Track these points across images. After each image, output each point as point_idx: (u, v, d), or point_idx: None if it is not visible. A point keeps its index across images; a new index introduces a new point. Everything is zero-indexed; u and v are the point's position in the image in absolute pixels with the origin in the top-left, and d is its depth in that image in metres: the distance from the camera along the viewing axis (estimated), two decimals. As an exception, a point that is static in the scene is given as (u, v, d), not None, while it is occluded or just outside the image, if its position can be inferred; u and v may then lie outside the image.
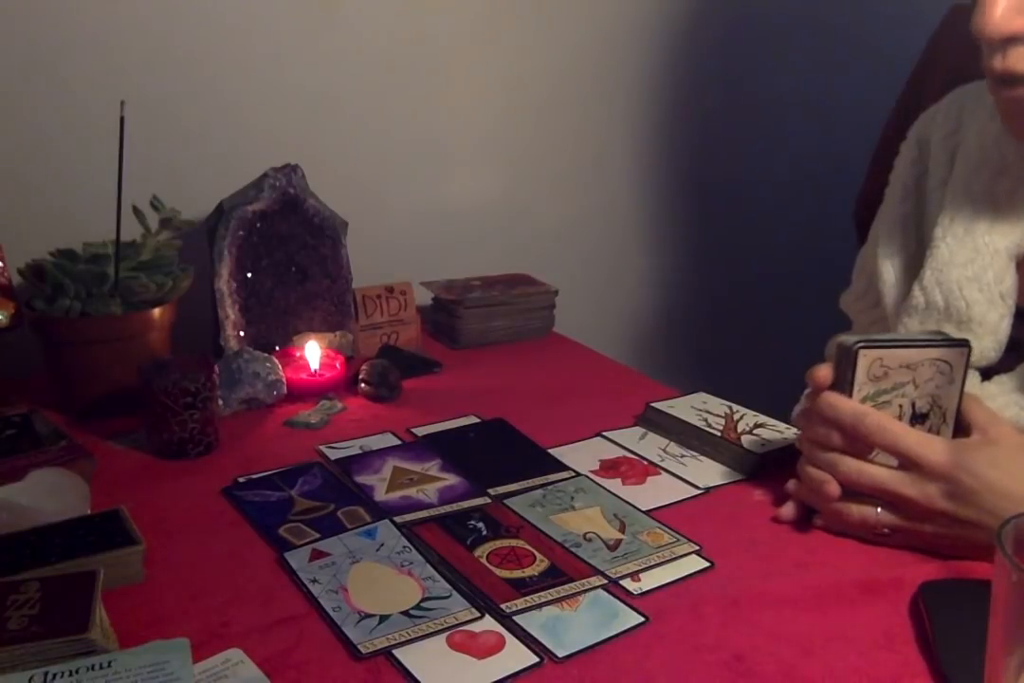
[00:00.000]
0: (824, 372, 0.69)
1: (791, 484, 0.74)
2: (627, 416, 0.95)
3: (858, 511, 0.69)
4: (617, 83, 1.43)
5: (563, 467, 0.84)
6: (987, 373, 0.78)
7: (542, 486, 0.80)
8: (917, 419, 0.69)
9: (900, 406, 0.69)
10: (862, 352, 0.68)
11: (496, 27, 1.30)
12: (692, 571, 0.67)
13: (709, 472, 0.83)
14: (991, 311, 0.77)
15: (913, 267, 0.84)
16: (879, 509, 0.68)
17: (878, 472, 0.67)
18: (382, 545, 0.70)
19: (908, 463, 0.66)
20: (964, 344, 0.68)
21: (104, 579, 0.60)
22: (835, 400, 0.68)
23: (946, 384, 0.69)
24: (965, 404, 0.69)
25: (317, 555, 0.69)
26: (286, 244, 1.08)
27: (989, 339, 0.77)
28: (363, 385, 1.00)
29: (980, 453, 0.65)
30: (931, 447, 0.65)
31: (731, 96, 1.54)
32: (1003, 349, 0.78)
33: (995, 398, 0.75)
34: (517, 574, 0.66)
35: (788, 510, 0.74)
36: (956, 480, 0.64)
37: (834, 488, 0.69)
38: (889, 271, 0.86)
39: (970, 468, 0.64)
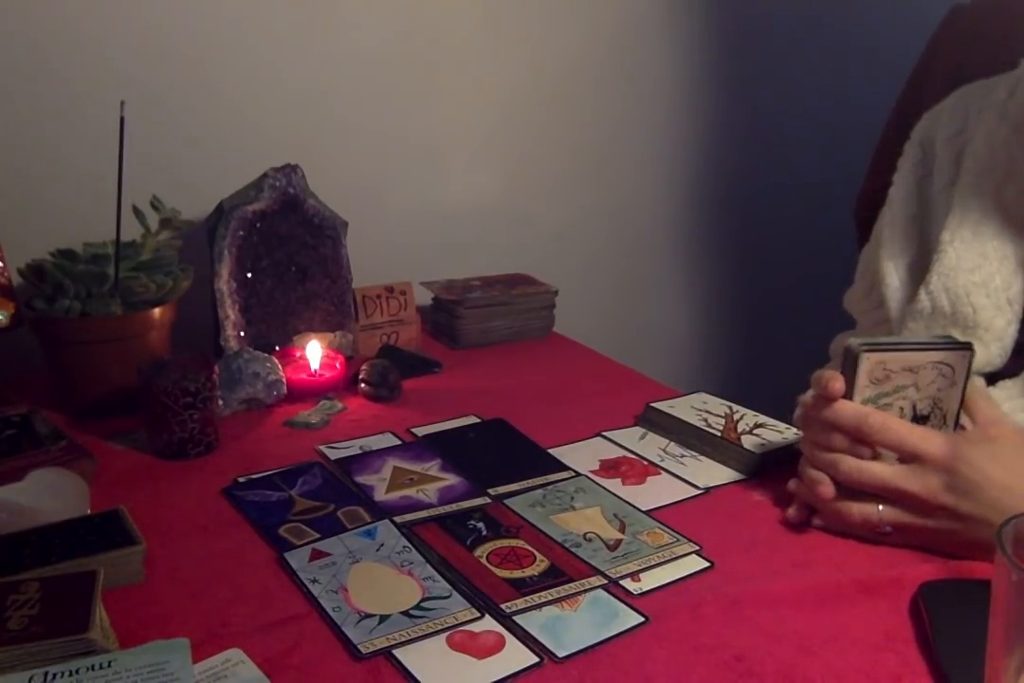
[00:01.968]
0: (838, 384, 0.69)
1: (793, 483, 0.74)
2: (627, 416, 0.95)
3: (859, 510, 0.69)
4: (618, 84, 1.43)
5: (563, 467, 0.84)
6: (992, 378, 0.78)
7: (542, 486, 0.80)
8: (918, 421, 0.69)
9: (901, 408, 0.69)
10: (864, 355, 0.68)
11: (497, 27, 1.30)
12: (692, 571, 0.67)
13: (709, 472, 0.83)
14: (998, 317, 0.76)
15: (917, 270, 0.84)
16: (880, 507, 0.68)
17: (880, 469, 0.67)
18: (382, 545, 0.70)
19: (909, 458, 0.66)
20: (967, 347, 0.68)
21: (104, 579, 0.60)
22: (837, 402, 0.69)
23: (947, 387, 0.69)
24: (970, 398, 0.69)
25: (317, 555, 0.69)
26: (286, 244, 1.08)
27: (995, 345, 0.77)
28: (363, 385, 1.00)
29: (980, 447, 0.65)
30: (931, 441, 0.66)
31: (732, 96, 1.54)
32: (1009, 354, 0.77)
33: (1000, 403, 0.74)
34: (517, 574, 0.66)
35: (794, 512, 0.74)
36: (956, 472, 0.64)
37: (827, 490, 0.69)
38: (892, 274, 0.86)
39: (970, 460, 0.64)
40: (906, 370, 0.69)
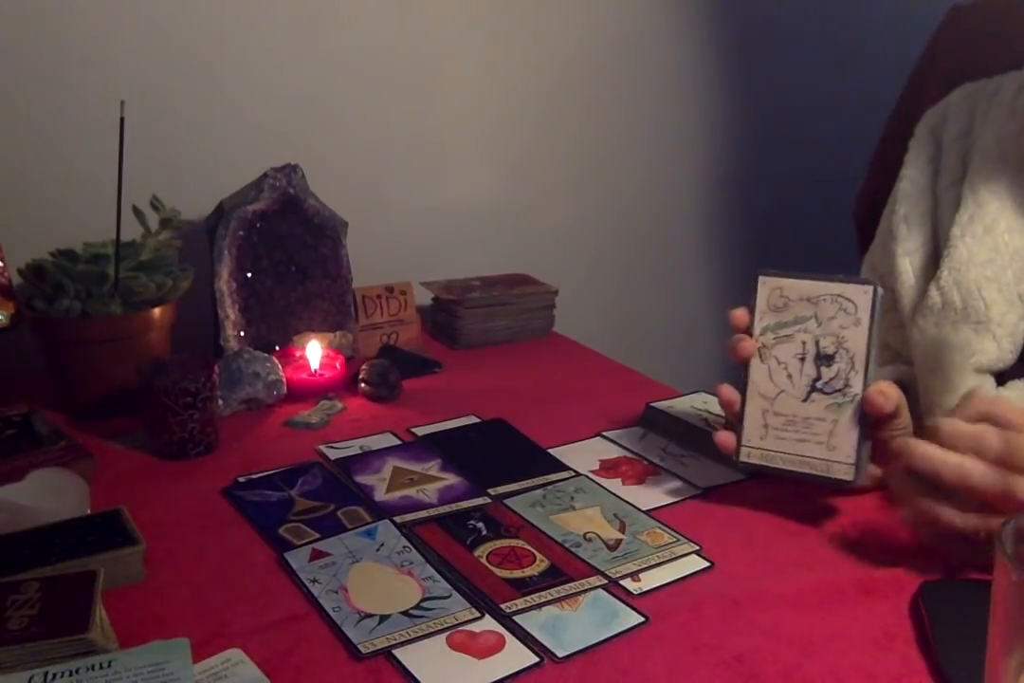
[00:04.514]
0: (739, 312, 0.71)
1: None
2: (627, 416, 0.95)
3: (961, 519, 0.61)
4: (618, 84, 1.43)
5: (563, 467, 0.84)
6: (1002, 378, 0.76)
7: (542, 486, 0.80)
8: (823, 360, 0.68)
9: (803, 342, 0.69)
10: (761, 279, 0.69)
11: (497, 26, 1.30)
12: (692, 571, 0.67)
13: (709, 472, 0.83)
14: (1010, 312, 0.75)
15: (929, 267, 0.83)
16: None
17: (985, 469, 0.60)
18: (382, 545, 0.70)
19: (1001, 463, 0.60)
20: (870, 282, 0.67)
21: (104, 579, 0.60)
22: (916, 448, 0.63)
23: (852, 325, 0.67)
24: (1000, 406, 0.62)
25: (317, 555, 0.69)
26: (286, 244, 1.08)
27: (1007, 341, 0.75)
28: (363, 385, 1.00)
29: None
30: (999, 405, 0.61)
31: (732, 96, 1.54)
32: (1020, 351, 0.76)
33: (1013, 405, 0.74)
34: (517, 574, 0.66)
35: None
36: None
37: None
38: (908, 270, 0.84)
39: None
40: (804, 300, 0.68)
